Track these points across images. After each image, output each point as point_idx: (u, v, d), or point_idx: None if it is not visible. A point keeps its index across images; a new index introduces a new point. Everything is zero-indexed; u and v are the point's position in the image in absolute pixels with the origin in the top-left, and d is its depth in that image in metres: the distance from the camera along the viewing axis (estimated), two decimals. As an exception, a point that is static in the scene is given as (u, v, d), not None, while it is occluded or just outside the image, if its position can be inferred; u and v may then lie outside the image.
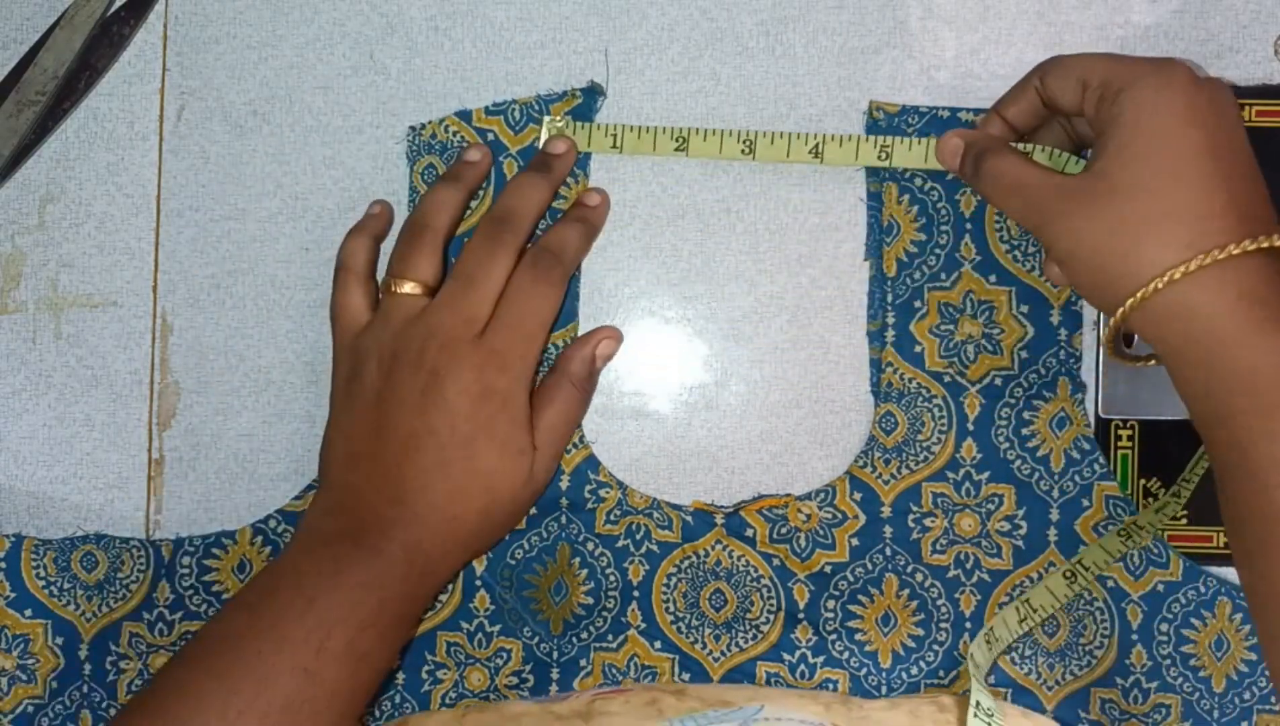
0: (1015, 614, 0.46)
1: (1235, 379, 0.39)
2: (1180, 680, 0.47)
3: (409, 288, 0.46)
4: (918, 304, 0.48)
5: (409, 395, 0.44)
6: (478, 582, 0.48)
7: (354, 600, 0.42)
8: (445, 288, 0.46)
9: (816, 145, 0.48)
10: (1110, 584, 0.47)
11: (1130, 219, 0.40)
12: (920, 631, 0.47)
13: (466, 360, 0.44)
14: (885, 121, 0.48)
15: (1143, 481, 0.48)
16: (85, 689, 0.48)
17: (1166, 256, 0.39)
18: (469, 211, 0.49)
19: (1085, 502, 0.47)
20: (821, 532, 0.48)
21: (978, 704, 0.42)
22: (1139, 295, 0.39)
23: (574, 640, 0.48)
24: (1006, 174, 0.44)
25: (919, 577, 0.48)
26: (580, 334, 0.49)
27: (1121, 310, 0.40)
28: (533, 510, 0.48)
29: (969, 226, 0.48)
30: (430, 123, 0.49)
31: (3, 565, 0.48)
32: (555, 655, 0.48)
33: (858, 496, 0.48)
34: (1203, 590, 0.47)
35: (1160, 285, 0.39)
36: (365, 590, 0.42)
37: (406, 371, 0.44)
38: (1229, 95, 0.42)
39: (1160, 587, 0.47)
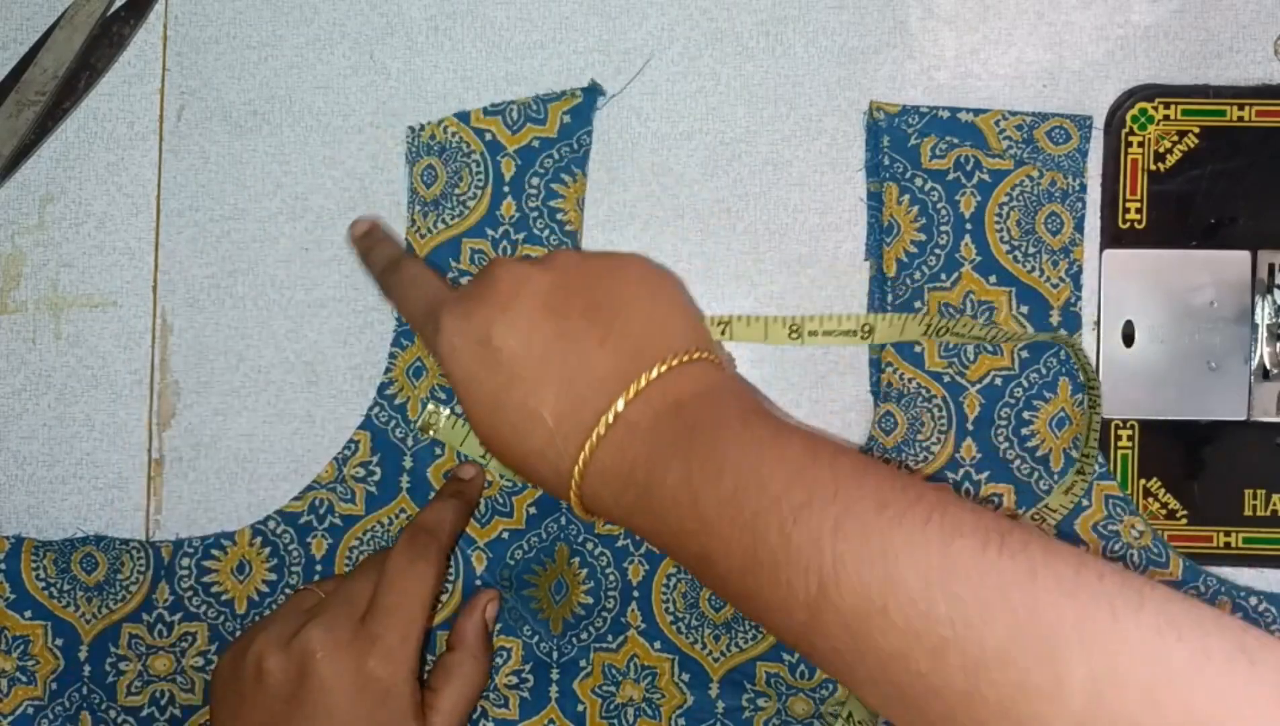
0: None
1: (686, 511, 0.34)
2: None
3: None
4: (918, 304, 0.48)
5: (283, 684, 0.42)
6: (477, 582, 0.48)
7: None
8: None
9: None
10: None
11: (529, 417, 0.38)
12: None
13: (350, 647, 0.42)
14: (885, 121, 0.48)
15: (1143, 481, 0.48)
16: (85, 690, 0.48)
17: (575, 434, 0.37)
18: (465, 214, 0.49)
19: (1085, 502, 0.47)
20: (822, 533, 0.48)
21: (850, 715, 0.41)
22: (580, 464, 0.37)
23: (574, 640, 0.48)
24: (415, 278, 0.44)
25: (919, 578, 0.47)
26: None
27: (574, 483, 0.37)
28: (533, 510, 0.48)
29: (969, 227, 0.48)
30: (429, 124, 0.49)
31: (2, 567, 0.48)
32: (555, 655, 0.48)
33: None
34: (1203, 590, 0.47)
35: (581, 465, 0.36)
36: None
37: (276, 657, 0.42)
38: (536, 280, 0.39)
39: (1161, 587, 0.47)
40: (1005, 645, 0.28)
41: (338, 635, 0.42)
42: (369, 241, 0.47)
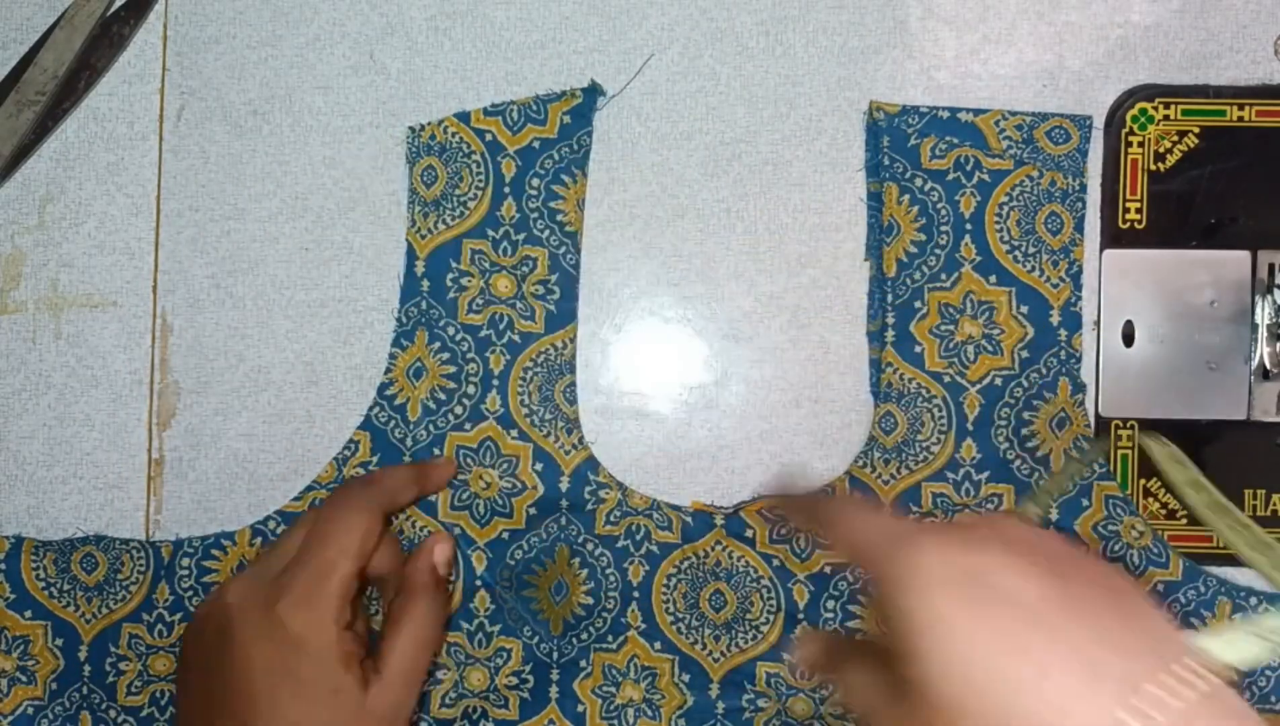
0: None
1: None
2: None
3: None
4: (918, 304, 0.48)
5: (212, 638, 0.41)
6: (477, 582, 0.48)
7: None
8: None
9: None
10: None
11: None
12: (920, 631, 0.47)
13: (258, 596, 0.41)
14: (885, 121, 0.48)
15: (1143, 481, 0.48)
16: (85, 690, 0.48)
17: None
18: (465, 214, 0.49)
19: (1085, 502, 0.47)
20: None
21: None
22: None
23: (574, 641, 0.48)
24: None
25: (919, 578, 0.47)
26: (575, 336, 0.49)
27: None
28: (533, 511, 0.48)
29: (969, 227, 0.48)
30: (429, 124, 0.49)
31: (3, 567, 0.48)
32: (555, 656, 0.48)
33: (857, 496, 0.48)
34: (1202, 590, 0.47)
35: None
36: None
37: (207, 621, 0.42)
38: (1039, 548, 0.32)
39: (1160, 587, 0.47)
40: None
41: (253, 585, 0.41)
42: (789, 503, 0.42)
